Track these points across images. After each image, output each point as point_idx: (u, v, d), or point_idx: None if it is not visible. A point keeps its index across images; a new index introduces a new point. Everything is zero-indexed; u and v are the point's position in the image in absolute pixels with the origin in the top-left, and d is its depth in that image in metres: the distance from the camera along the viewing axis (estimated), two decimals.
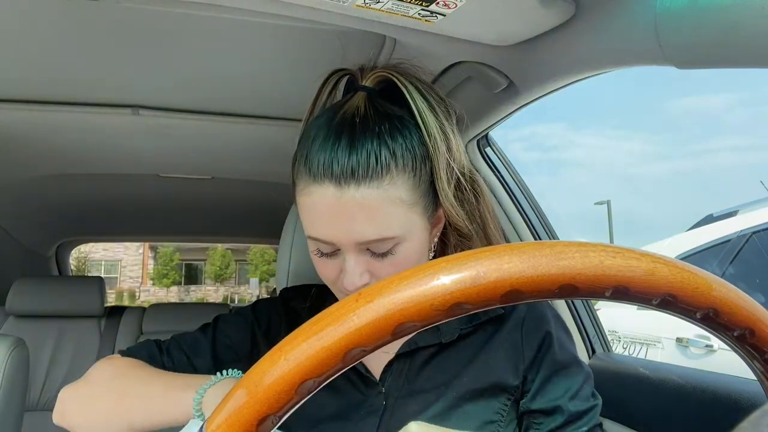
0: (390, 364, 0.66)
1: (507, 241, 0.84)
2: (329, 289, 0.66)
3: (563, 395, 0.64)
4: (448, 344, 0.67)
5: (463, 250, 0.68)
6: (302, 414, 0.40)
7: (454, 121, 0.64)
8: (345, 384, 0.66)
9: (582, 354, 1.19)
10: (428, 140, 0.60)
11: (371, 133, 0.59)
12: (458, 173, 0.62)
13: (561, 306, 1.20)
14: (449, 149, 0.61)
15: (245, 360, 0.70)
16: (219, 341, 0.72)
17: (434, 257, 0.72)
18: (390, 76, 0.62)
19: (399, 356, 0.66)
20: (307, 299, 0.74)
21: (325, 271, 0.62)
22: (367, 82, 0.64)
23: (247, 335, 0.72)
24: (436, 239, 0.67)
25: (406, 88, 0.61)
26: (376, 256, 0.59)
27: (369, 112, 0.60)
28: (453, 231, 0.66)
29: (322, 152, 0.57)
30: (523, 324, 0.67)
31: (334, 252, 0.60)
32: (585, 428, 0.64)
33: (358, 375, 0.66)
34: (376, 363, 0.66)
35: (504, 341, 0.67)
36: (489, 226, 0.67)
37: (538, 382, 0.65)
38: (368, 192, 0.57)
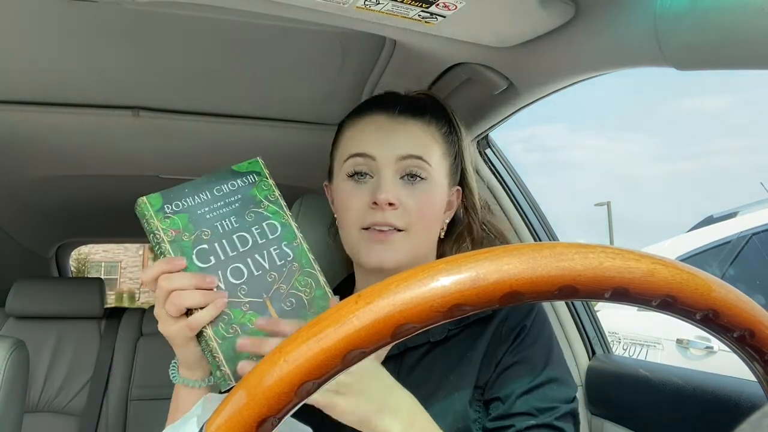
0: (383, 365, 0.65)
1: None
2: None
3: (516, 388, 0.63)
4: (437, 344, 0.67)
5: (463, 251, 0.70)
6: (296, 418, 0.41)
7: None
8: None
9: (582, 355, 1.19)
10: (463, 141, 0.75)
11: (414, 96, 0.76)
12: (476, 174, 0.77)
13: (561, 307, 1.20)
14: (470, 149, 0.77)
15: None
16: None
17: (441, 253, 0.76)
18: (428, 94, 0.78)
19: (389, 358, 0.67)
20: None
21: (355, 198, 0.68)
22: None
23: None
24: (447, 221, 0.73)
25: (444, 104, 0.77)
26: (407, 182, 0.68)
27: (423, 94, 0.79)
28: (471, 225, 0.74)
29: (374, 99, 0.76)
30: (506, 321, 0.68)
31: (367, 174, 0.69)
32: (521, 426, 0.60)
33: None
34: None
35: (487, 340, 0.67)
36: (482, 228, 0.76)
37: (497, 372, 0.65)
38: (413, 123, 0.70)
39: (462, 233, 0.75)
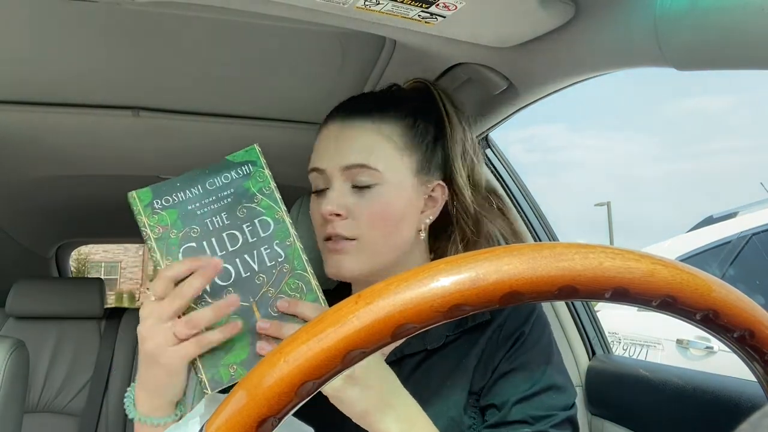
0: None
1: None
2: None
3: (512, 395, 0.61)
4: (435, 351, 0.66)
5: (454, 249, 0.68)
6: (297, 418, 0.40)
7: (470, 132, 0.73)
8: None
9: (582, 355, 1.19)
10: (446, 121, 0.70)
11: (387, 91, 0.73)
12: (470, 171, 0.69)
13: (561, 307, 1.20)
14: (466, 139, 0.69)
15: None
16: None
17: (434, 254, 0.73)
18: (422, 81, 0.75)
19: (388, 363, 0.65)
20: None
21: (315, 212, 0.67)
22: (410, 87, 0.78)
23: None
24: (428, 221, 0.69)
25: (438, 93, 0.72)
26: (357, 190, 0.65)
27: (395, 87, 0.76)
28: (461, 224, 0.69)
29: (336, 105, 0.71)
30: (503, 327, 0.66)
31: (325, 189, 0.66)
32: None
33: None
34: None
35: (485, 346, 0.66)
36: (482, 230, 0.70)
37: (494, 378, 0.63)
38: (360, 126, 0.66)
39: (454, 235, 0.71)
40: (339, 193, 0.65)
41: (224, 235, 0.56)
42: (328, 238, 0.66)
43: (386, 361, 0.64)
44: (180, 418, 0.56)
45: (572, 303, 1.20)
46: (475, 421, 0.63)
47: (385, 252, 0.66)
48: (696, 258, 3.17)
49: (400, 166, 0.66)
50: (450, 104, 0.72)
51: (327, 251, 0.66)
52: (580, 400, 1.16)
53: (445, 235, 0.73)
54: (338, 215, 0.64)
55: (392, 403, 0.53)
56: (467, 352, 0.65)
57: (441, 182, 0.69)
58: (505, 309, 0.66)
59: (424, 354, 0.66)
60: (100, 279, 1.97)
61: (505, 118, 0.98)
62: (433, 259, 0.66)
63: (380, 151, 0.65)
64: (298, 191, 0.95)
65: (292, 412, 0.26)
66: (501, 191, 0.76)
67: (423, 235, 0.68)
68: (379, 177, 0.64)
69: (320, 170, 0.67)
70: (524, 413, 0.60)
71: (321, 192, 0.67)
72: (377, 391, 0.53)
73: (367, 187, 0.64)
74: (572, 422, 0.62)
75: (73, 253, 2.91)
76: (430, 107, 0.72)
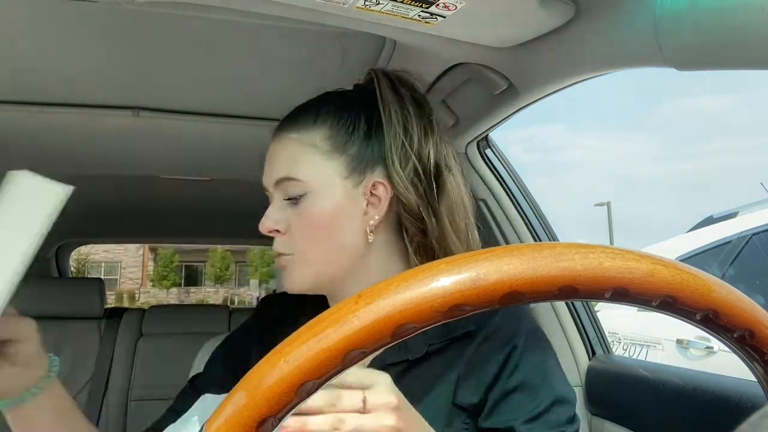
0: None
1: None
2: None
3: (518, 417, 0.58)
4: (419, 361, 0.63)
5: (424, 249, 0.64)
6: None
7: (434, 124, 0.67)
8: None
9: (582, 355, 1.19)
10: (384, 119, 0.64)
11: (323, 95, 0.69)
12: (415, 161, 0.63)
13: (561, 307, 1.20)
14: (408, 136, 0.63)
15: (229, 388, 0.69)
16: (199, 380, 0.72)
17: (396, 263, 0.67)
18: (372, 74, 0.68)
19: None
20: (285, 304, 0.73)
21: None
22: (362, 81, 0.71)
23: (228, 372, 0.71)
24: (373, 222, 0.63)
25: (377, 78, 0.67)
26: (291, 204, 0.63)
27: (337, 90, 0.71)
28: (408, 221, 0.63)
29: None
30: (492, 339, 0.62)
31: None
32: None
33: None
34: None
35: (472, 357, 0.62)
36: (447, 229, 0.64)
37: (493, 398, 0.60)
38: (287, 138, 0.65)
39: (408, 236, 0.65)
40: (274, 209, 0.64)
41: None
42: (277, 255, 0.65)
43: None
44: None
45: (572, 303, 1.20)
46: None
47: (327, 262, 0.63)
48: (696, 258, 3.17)
49: (328, 172, 0.63)
50: (390, 90, 0.65)
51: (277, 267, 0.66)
52: (580, 400, 1.16)
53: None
54: (277, 231, 0.64)
55: None
56: (452, 363, 0.63)
57: (381, 179, 0.64)
58: (493, 317, 0.63)
59: (405, 364, 0.63)
60: (100, 279, 1.98)
61: (505, 118, 0.98)
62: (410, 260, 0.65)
63: (304, 160, 0.63)
64: None
65: (293, 412, 0.26)
66: (448, 178, 0.66)
67: (371, 238, 0.63)
68: (306, 187, 0.62)
69: (265, 188, 0.67)
70: None
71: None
72: None
73: (297, 198, 0.63)
74: (575, 425, 0.61)
75: (73, 253, 2.92)
76: (364, 101, 0.67)
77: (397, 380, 0.61)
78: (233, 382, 0.74)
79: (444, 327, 0.57)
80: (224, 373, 0.71)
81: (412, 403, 0.60)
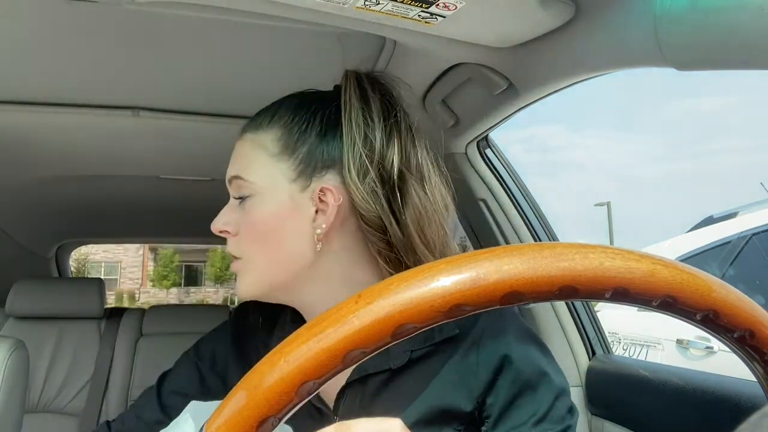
0: (342, 393, 0.60)
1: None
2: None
3: (527, 420, 0.57)
4: (402, 369, 0.60)
5: (391, 259, 0.59)
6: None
7: (403, 128, 0.62)
8: (297, 416, 0.62)
9: (582, 355, 1.19)
10: (344, 121, 0.60)
11: (288, 96, 0.67)
12: (377, 167, 0.58)
13: (561, 307, 1.20)
14: (368, 140, 0.59)
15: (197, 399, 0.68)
16: (165, 388, 0.70)
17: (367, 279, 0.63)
18: (345, 77, 0.64)
19: (350, 384, 0.60)
20: (260, 312, 0.71)
21: None
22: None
23: (194, 374, 0.70)
24: (320, 230, 0.59)
25: (346, 79, 0.63)
26: (240, 204, 0.62)
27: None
28: (367, 231, 0.59)
29: None
30: (479, 343, 0.60)
31: None
32: None
33: (311, 406, 0.61)
34: (332, 391, 0.61)
35: (459, 363, 0.59)
36: (416, 240, 0.58)
37: (498, 407, 0.58)
38: (244, 138, 0.64)
39: (374, 247, 0.60)
40: (227, 209, 0.63)
41: None
42: None
43: (349, 380, 0.61)
44: None
45: (572, 303, 1.20)
46: None
47: (273, 268, 0.60)
48: (696, 258, 3.17)
49: (276, 174, 0.60)
50: (356, 91, 0.61)
51: None
52: (580, 400, 1.16)
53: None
54: (227, 232, 0.62)
55: None
56: (437, 370, 0.60)
57: (330, 185, 0.59)
58: (476, 323, 0.61)
59: (388, 373, 0.60)
60: (100, 279, 1.97)
61: (505, 118, 0.98)
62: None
63: (254, 160, 0.61)
64: None
65: (293, 411, 0.26)
66: (413, 184, 0.60)
67: (319, 246, 0.59)
68: (253, 188, 0.60)
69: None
70: None
71: None
72: None
73: (244, 199, 0.61)
74: (575, 414, 0.60)
75: (73, 253, 2.91)
76: (325, 101, 0.63)
77: (381, 388, 0.60)
78: (198, 386, 0.72)
79: (426, 333, 0.52)
80: (189, 374, 0.70)
81: (397, 413, 0.56)
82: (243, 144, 0.64)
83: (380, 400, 0.59)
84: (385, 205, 0.58)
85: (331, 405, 0.61)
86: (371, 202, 0.58)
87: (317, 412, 0.61)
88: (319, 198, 0.59)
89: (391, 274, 0.56)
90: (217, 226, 0.62)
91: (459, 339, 0.60)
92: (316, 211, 0.59)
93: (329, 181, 0.60)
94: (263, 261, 0.60)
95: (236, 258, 0.62)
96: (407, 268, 0.57)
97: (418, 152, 0.62)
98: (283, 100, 0.65)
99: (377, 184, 0.58)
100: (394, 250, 0.59)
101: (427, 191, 0.61)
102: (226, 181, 0.64)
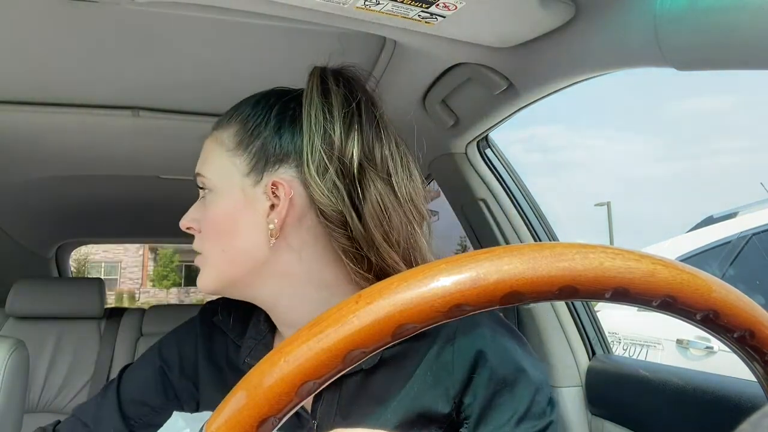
0: (319, 396, 0.60)
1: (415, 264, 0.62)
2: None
3: (508, 420, 0.55)
4: (375, 369, 0.59)
5: (354, 256, 0.57)
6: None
7: (365, 120, 0.59)
8: None
9: (582, 355, 1.19)
10: (304, 116, 0.59)
11: (254, 94, 0.67)
12: (336, 161, 0.57)
13: (561, 307, 1.20)
14: (326, 134, 0.57)
15: (161, 410, 0.65)
16: (125, 399, 0.67)
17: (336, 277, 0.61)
18: (310, 73, 0.64)
19: (326, 387, 0.59)
20: (230, 311, 0.70)
21: None
22: None
23: (157, 381, 0.67)
24: (272, 226, 0.57)
25: (309, 78, 0.63)
26: (201, 201, 0.63)
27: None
28: (326, 226, 0.58)
29: None
30: (454, 341, 0.58)
31: None
32: None
33: None
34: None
35: (434, 363, 0.58)
36: (377, 239, 0.57)
37: (477, 408, 0.56)
38: (212, 131, 0.65)
39: (336, 243, 0.58)
40: (194, 207, 0.64)
41: None
42: None
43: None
44: None
45: (572, 303, 1.20)
46: None
47: (227, 263, 0.60)
48: (696, 258, 3.17)
49: (230, 169, 0.60)
50: (318, 84, 0.60)
51: None
52: (580, 400, 1.16)
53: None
54: (193, 229, 0.63)
55: None
56: (411, 371, 0.58)
57: (281, 179, 0.58)
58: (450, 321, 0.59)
59: (361, 374, 0.59)
60: (100, 279, 1.97)
61: (505, 118, 0.98)
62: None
63: (213, 157, 0.62)
64: None
65: (293, 411, 0.26)
66: (374, 180, 0.58)
67: (272, 241, 0.57)
68: (210, 184, 0.61)
69: None
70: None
71: None
72: None
73: (204, 196, 0.62)
74: (554, 405, 0.58)
75: (73, 253, 2.92)
76: (282, 96, 0.63)
77: (356, 390, 0.59)
78: (162, 396, 0.71)
79: None
80: (155, 384, 0.68)
81: (374, 417, 0.57)
82: (208, 141, 0.65)
83: (357, 405, 0.58)
84: (346, 199, 0.56)
85: (309, 409, 0.60)
86: (331, 197, 0.56)
87: (295, 416, 0.60)
88: (273, 192, 0.58)
89: (357, 273, 0.57)
90: (183, 223, 0.63)
91: (432, 335, 0.59)
92: (271, 207, 0.58)
93: (282, 174, 0.59)
94: (218, 256, 0.60)
95: (198, 253, 0.63)
96: (371, 266, 0.57)
97: (384, 146, 0.59)
98: (249, 98, 0.66)
99: (338, 178, 0.56)
100: (356, 246, 0.57)
101: (393, 185, 0.58)
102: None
